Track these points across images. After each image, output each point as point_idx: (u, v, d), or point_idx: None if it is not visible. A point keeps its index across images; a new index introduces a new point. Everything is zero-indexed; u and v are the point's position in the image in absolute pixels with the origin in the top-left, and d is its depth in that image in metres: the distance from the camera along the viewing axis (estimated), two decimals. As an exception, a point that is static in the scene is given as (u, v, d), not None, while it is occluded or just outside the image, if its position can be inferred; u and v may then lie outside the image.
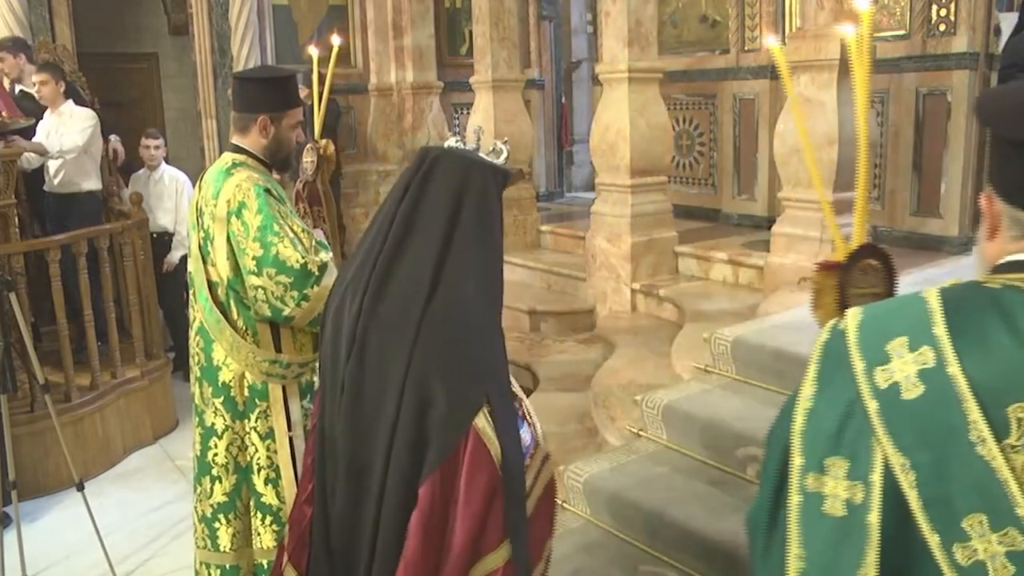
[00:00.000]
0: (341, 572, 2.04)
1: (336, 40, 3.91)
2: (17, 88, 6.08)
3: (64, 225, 5.60)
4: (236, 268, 2.84)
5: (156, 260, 6.19)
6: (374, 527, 1.94)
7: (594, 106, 7.16)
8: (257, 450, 2.99)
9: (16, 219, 5.13)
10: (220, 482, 3.02)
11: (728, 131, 7.24)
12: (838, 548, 1.17)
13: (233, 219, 2.83)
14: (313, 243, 2.93)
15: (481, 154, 2.10)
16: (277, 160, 3.12)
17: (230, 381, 2.95)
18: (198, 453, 3.06)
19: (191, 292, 3.08)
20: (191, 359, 3.13)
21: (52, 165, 5.87)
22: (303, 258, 2.81)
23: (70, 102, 5.96)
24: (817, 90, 4.97)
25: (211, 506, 3.03)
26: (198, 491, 3.09)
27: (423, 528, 1.86)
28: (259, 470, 2.99)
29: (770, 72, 6.82)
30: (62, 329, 4.98)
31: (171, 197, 6.77)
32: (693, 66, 7.46)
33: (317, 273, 2.84)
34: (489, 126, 6.85)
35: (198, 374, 3.03)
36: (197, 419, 3.06)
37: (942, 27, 5.81)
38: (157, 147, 6.78)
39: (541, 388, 5.29)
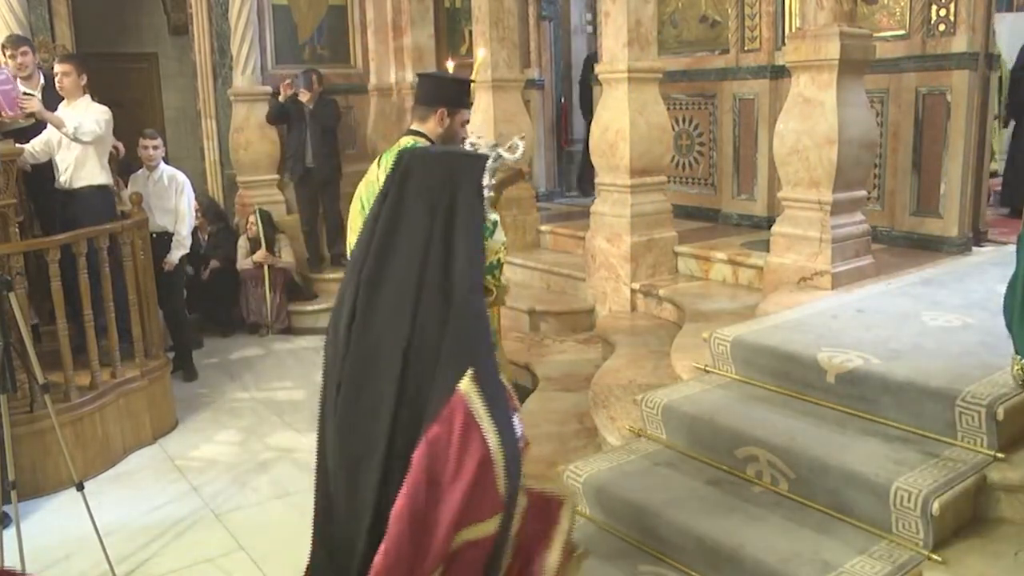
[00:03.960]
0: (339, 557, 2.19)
1: (481, 52, 4.41)
2: (21, 88, 6.05)
3: (78, 222, 5.53)
4: None
5: (155, 260, 6.18)
6: (375, 508, 2.08)
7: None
8: None
9: (16, 219, 5.13)
10: None
11: (728, 131, 7.24)
12: None
13: None
14: None
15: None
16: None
17: None
18: None
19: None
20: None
21: (61, 162, 5.83)
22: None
23: (87, 97, 5.91)
24: (817, 90, 4.97)
25: None
26: None
27: (411, 491, 2.00)
28: None
29: (770, 72, 6.82)
30: (62, 329, 4.98)
31: (170, 197, 6.76)
32: (693, 66, 7.46)
33: (491, 228, 3.20)
34: (488, 126, 6.85)
35: None
36: None
37: (942, 27, 5.81)
38: (155, 147, 6.77)
39: (541, 388, 5.30)
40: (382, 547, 2.01)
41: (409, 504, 2.00)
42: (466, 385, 2.05)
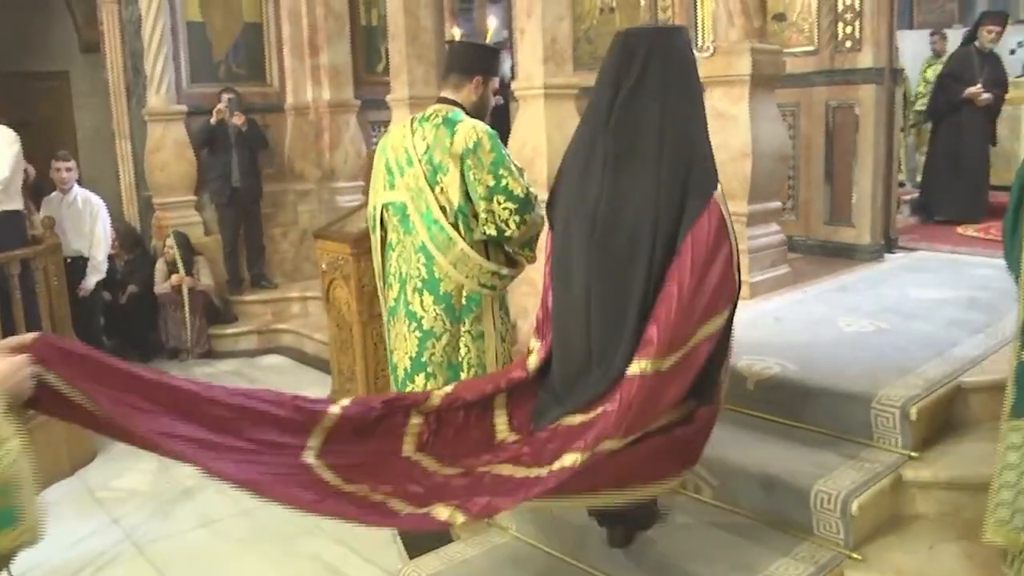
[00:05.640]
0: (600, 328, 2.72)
1: (492, 23, 4.68)
2: None
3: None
4: (466, 197, 3.47)
5: (70, 286, 6.02)
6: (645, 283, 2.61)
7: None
8: (469, 350, 3.64)
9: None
10: (435, 379, 3.60)
11: (645, 145, 7.33)
12: None
13: (469, 156, 3.44)
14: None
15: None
16: (477, 116, 3.65)
17: (451, 291, 3.57)
18: (412, 354, 3.66)
19: (395, 219, 3.68)
20: (400, 282, 3.69)
21: None
22: (526, 188, 3.50)
23: None
24: (730, 104, 5.08)
25: None
26: (409, 388, 3.63)
27: (680, 274, 2.53)
28: (468, 368, 3.63)
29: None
30: (-28, 358, 4.81)
31: (85, 221, 6.61)
32: (610, 82, 7.55)
33: (534, 203, 3.54)
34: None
35: (418, 285, 3.61)
36: (414, 324, 3.63)
37: (848, 44, 6.01)
38: (69, 169, 6.63)
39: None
40: (653, 323, 2.53)
41: (680, 284, 2.51)
42: (718, 193, 2.60)
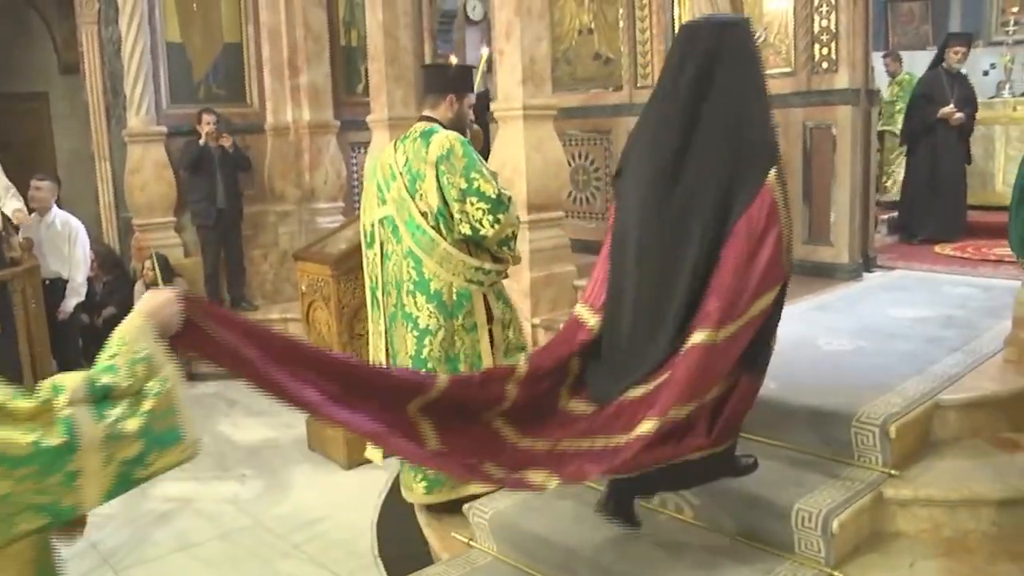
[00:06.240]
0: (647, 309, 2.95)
1: (484, 50, 5.05)
2: None
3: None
4: (443, 199, 3.72)
5: (49, 308, 5.98)
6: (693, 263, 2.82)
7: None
8: (464, 342, 3.86)
9: None
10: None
11: (624, 166, 7.35)
12: None
13: (443, 162, 3.70)
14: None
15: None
16: (456, 131, 3.90)
17: (441, 288, 3.79)
18: (412, 353, 3.89)
19: (388, 231, 3.94)
20: (396, 288, 3.94)
21: None
22: (497, 190, 3.73)
23: None
24: (708, 125, 5.11)
25: None
26: None
27: (735, 253, 2.74)
28: (464, 359, 3.85)
29: (664, 108, 6.98)
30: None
31: (64, 242, 6.56)
32: (588, 102, 7.59)
33: (507, 203, 3.78)
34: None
35: (410, 288, 3.86)
36: (411, 325, 3.88)
37: (825, 65, 6.07)
38: (48, 191, 6.58)
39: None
40: (713, 296, 2.75)
41: (735, 262, 2.73)
42: (771, 178, 2.79)
